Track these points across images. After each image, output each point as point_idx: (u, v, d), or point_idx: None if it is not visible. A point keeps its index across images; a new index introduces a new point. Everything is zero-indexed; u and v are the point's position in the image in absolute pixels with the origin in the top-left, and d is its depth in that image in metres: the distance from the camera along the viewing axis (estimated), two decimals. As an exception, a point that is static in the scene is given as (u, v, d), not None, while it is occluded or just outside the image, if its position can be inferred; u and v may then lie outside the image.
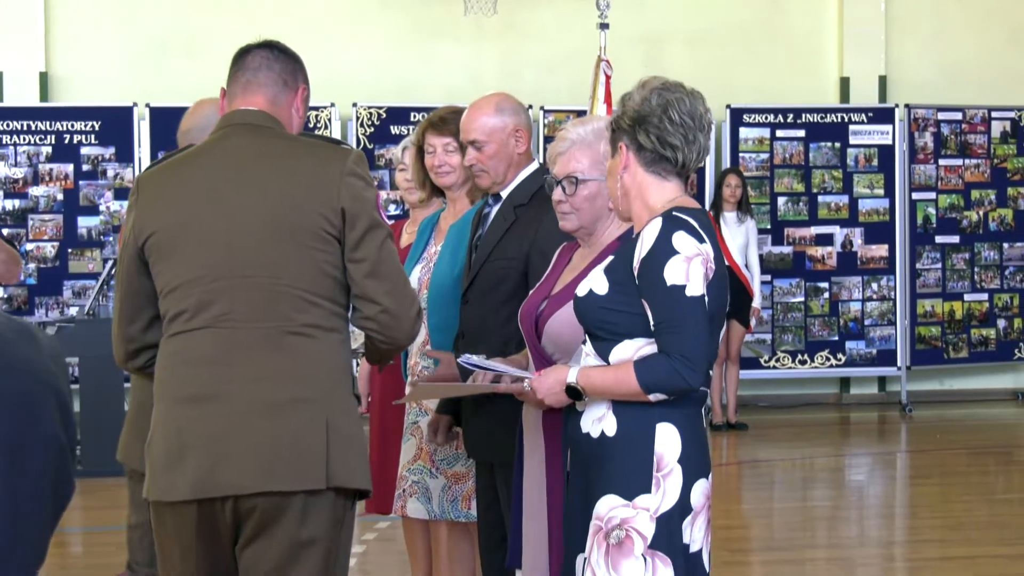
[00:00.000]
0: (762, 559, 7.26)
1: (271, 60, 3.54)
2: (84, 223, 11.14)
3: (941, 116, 12.16)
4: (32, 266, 11.04)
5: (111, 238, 11.14)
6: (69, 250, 11.12)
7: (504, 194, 4.36)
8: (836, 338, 11.98)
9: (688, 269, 3.22)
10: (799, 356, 11.94)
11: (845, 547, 7.51)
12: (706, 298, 3.24)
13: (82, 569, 6.64)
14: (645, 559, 3.24)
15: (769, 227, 11.85)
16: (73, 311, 10.55)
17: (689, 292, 3.22)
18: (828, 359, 11.97)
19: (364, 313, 3.37)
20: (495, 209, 4.38)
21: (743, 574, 6.78)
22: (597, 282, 3.35)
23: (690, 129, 3.36)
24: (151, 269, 3.40)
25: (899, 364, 12.06)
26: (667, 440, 3.27)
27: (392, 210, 11.25)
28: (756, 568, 7.06)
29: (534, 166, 4.42)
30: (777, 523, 8.26)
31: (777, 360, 11.92)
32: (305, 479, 3.28)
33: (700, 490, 3.31)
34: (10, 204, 11.05)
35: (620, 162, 3.40)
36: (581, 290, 3.38)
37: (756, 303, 10.94)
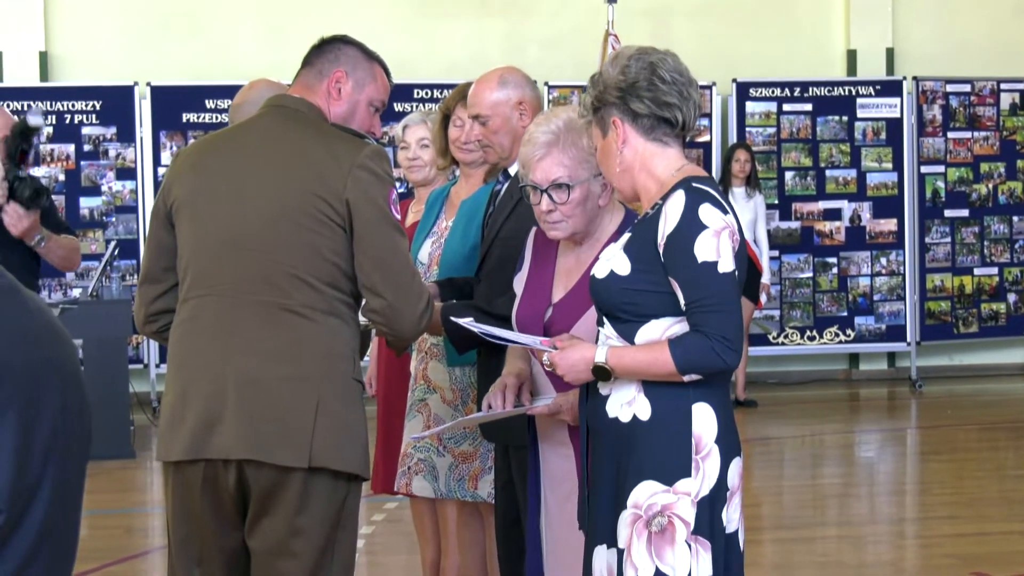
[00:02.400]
0: (773, 537, 7.21)
1: (313, 55, 3.68)
2: (86, 204, 11.07)
3: (949, 88, 12.07)
4: (34, 247, 10.98)
5: (113, 218, 11.09)
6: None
7: (512, 171, 4.31)
8: (845, 314, 11.91)
9: (718, 244, 3.08)
10: (808, 332, 11.87)
11: (856, 524, 7.46)
12: (736, 272, 3.11)
13: (89, 552, 6.61)
14: (689, 545, 3.11)
15: (776, 202, 11.76)
16: (76, 293, 10.49)
17: (721, 268, 3.08)
18: (837, 335, 11.90)
19: (369, 305, 3.47)
20: (504, 187, 4.33)
21: (754, 552, 6.71)
22: (617, 262, 3.18)
23: (683, 85, 3.21)
24: (176, 234, 3.55)
25: (909, 339, 11.99)
26: (704, 421, 3.13)
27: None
28: (767, 546, 7.00)
29: None
30: (787, 501, 8.22)
31: (786, 336, 11.85)
32: (289, 455, 3.36)
33: (735, 469, 3.19)
34: (12, 185, 10.97)
35: (618, 138, 3.23)
36: (600, 271, 3.21)
37: (765, 279, 10.88)
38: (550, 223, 3.61)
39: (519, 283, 3.81)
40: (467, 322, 3.52)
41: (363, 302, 3.52)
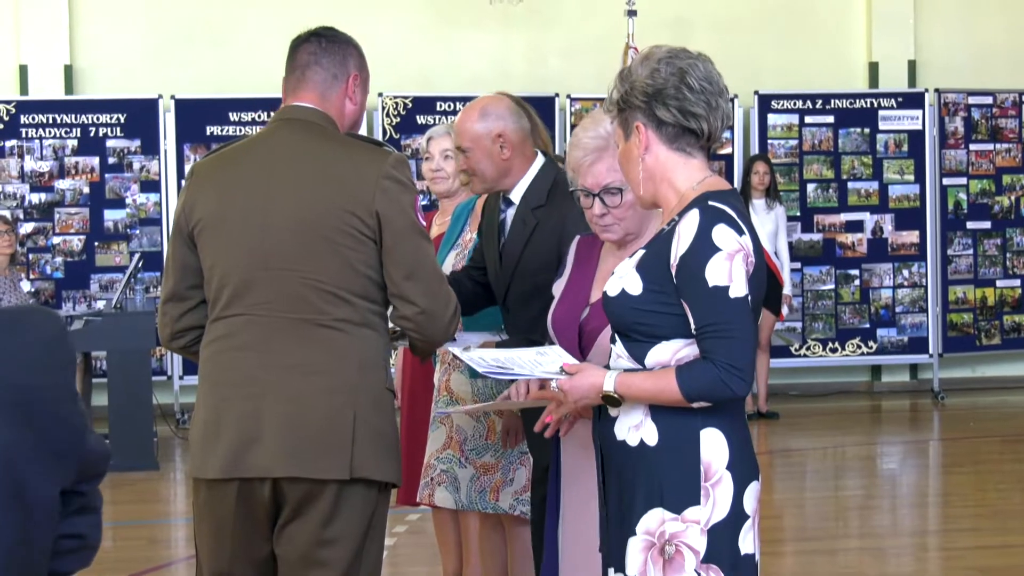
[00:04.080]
0: (795, 549, 7.19)
1: (319, 54, 3.61)
2: (110, 216, 11.13)
3: (971, 100, 12.05)
4: (59, 260, 11.05)
5: (137, 231, 11.15)
6: (96, 243, 11.11)
7: (516, 197, 4.29)
8: (867, 325, 11.88)
9: (731, 268, 2.98)
10: (830, 344, 11.85)
11: (878, 536, 7.45)
12: (749, 297, 3.03)
13: (112, 563, 6.64)
14: (699, 574, 3.03)
15: (798, 214, 11.75)
16: (100, 304, 10.54)
17: (733, 294, 2.98)
18: (859, 347, 11.88)
19: (401, 312, 3.49)
20: (510, 213, 4.31)
21: (776, 564, 6.71)
22: (630, 281, 3.08)
23: (711, 95, 3.09)
24: (199, 253, 3.53)
25: (931, 351, 11.96)
26: (713, 447, 3.05)
27: (421, 200, 11.20)
28: (789, 558, 6.99)
29: (539, 162, 4.31)
30: (809, 513, 8.20)
31: (808, 348, 11.84)
32: (330, 468, 3.39)
33: (752, 494, 3.10)
34: (36, 198, 11.05)
35: (641, 143, 3.13)
36: (612, 288, 3.13)
37: (786, 291, 10.87)
38: (602, 226, 3.64)
39: (558, 287, 3.82)
40: (471, 359, 3.42)
41: (390, 309, 3.54)
